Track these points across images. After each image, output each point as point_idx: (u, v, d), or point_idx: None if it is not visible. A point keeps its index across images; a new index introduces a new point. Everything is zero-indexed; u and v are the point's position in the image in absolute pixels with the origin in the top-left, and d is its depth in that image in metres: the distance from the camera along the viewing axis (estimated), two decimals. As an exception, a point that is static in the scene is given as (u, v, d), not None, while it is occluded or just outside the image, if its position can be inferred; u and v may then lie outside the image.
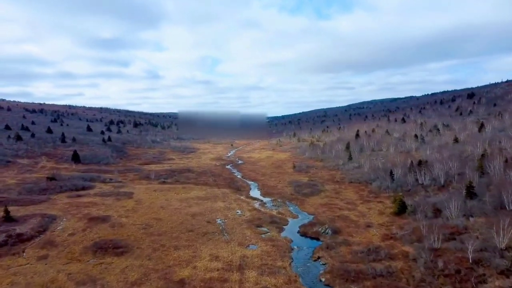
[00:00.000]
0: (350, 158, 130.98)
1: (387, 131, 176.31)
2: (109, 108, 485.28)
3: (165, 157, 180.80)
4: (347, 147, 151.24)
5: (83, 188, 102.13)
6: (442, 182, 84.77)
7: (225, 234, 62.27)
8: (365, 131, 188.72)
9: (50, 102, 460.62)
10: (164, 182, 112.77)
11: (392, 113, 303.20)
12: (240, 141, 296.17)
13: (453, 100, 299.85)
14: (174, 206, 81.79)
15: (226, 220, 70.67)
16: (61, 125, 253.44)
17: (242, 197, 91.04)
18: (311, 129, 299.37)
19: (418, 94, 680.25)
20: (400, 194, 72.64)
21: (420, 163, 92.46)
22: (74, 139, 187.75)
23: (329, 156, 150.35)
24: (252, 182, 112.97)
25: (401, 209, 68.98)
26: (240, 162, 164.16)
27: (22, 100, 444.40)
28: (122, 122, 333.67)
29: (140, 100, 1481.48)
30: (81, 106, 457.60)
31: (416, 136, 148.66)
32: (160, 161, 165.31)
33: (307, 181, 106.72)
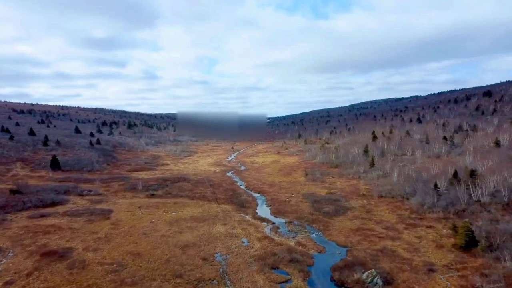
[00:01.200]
0: (372, 164, 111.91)
1: (407, 133, 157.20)
2: (104, 109, 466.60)
3: (159, 162, 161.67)
4: (365, 150, 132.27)
5: (53, 204, 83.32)
6: (506, 198, 65.77)
7: (228, 284, 43.27)
8: (382, 133, 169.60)
9: (47, 103, 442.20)
10: (152, 195, 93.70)
11: (403, 112, 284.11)
12: (241, 143, 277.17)
13: (468, 98, 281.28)
14: (160, 231, 62.74)
15: (228, 256, 51.66)
16: (48, 126, 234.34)
17: (247, 218, 71.97)
18: (317, 130, 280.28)
19: (418, 94, 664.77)
20: (467, 220, 53.38)
21: (472, 173, 73.31)
22: (58, 142, 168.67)
23: (345, 161, 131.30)
24: (259, 195, 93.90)
25: (470, 242, 49.98)
26: (242, 168, 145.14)
27: (20, 101, 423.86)
28: (115, 123, 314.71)
29: (138, 101, 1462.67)
30: (74, 107, 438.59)
31: (445, 138, 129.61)
32: (152, 167, 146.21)
33: (326, 195, 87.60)
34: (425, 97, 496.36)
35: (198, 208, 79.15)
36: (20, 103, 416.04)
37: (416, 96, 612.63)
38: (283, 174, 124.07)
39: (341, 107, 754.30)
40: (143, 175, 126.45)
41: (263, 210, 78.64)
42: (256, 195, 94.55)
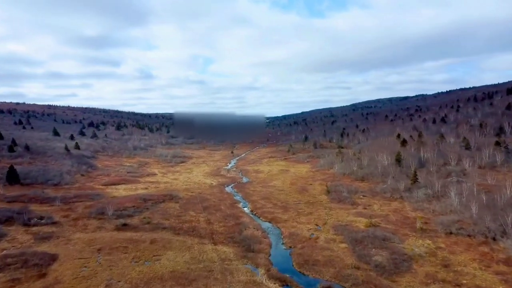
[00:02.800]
0: (414, 179, 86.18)
1: (441, 136, 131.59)
2: (95, 108, 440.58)
3: (144, 172, 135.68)
4: (398, 159, 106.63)
5: (-25, 244, 57.80)
6: None
7: None
8: (410, 136, 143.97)
9: (43, 103, 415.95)
10: (124, 225, 67.88)
11: (420, 112, 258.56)
12: (241, 146, 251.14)
13: (490, 96, 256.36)
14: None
15: None
16: (24, 128, 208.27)
17: (259, 276, 46.23)
18: (324, 131, 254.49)
19: (416, 93, 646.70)
20: None
21: None
22: (27, 147, 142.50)
23: (373, 172, 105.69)
24: (270, 226, 68.25)
25: None
26: (245, 179, 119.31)
27: (13, 101, 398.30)
28: (104, 123, 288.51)
29: (135, 101, 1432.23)
30: (63, 106, 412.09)
31: (497, 143, 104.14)
32: (136, 178, 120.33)
33: (368, 228, 61.91)
34: (435, 96, 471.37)
35: (185, 253, 53.41)
36: (6, 102, 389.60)
37: (422, 95, 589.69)
38: (297, 189, 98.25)
39: (343, 106, 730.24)
40: (121, 190, 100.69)
41: (281, 257, 52.87)
42: (266, 224, 68.90)
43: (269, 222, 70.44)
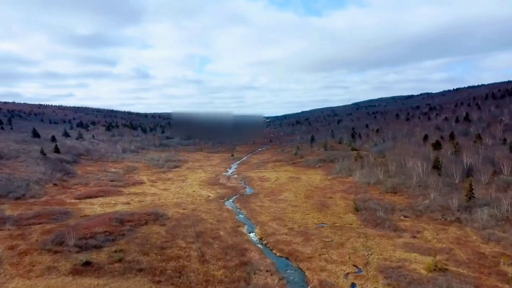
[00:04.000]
0: (471, 194, 66.74)
1: (479, 137, 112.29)
2: (88, 107, 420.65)
3: (130, 180, 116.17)
4: (437, 166, 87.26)
5: None
6: None
7: None
8: (441, 137, 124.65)
9: (40, 103, 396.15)
10: (85, 266, 48.41)
11: (435, 111, 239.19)
12: (242, 147, 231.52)
13: (510, 93, 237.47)
14: None
15: None
16: (2, 128, 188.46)
17: None
18: (332, 131, 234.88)
19: (412, 93, 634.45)
20: None
21: None
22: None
23: (406, 182, 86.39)
24: (289, 266, 48.81)
25: None
26: (248, 190, 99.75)
27: (8, 101, 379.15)
28: (94, 123, 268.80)
29: (133, 101, 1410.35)
30: (53, 106, 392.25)
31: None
32: (118, 189, 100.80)
33: (432, 274, 42.54)
34: (443, 94, 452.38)
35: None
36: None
37: (427, 93, 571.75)
38: (315, 205, 78.78)
39: (345, 105, 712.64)
40: (97, 206, 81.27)
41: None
42: (282, 262, 49.58)
43: (286, 258, 51.04)
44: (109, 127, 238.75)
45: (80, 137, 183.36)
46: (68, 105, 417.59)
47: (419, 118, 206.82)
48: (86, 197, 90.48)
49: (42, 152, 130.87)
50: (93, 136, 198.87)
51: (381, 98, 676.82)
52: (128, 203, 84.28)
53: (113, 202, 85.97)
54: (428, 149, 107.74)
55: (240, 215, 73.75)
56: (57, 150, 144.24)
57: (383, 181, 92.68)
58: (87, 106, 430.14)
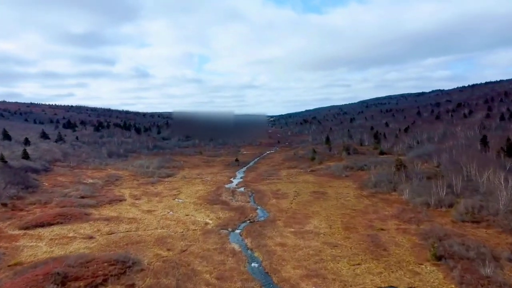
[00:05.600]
0: None
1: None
2: (82, 106, 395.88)
3: (107, 195, 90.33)
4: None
5: None
6: None
7: None
8: (508, 138, 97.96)
9: (40, 103, 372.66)
10: None
11: (465, 108, 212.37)
12: (247, 149, 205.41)
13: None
14: None
15: None
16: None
17: None
18: (348, 131, 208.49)
19: (415, 91, 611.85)
20: None
21: None
22: None
23: (489, 205, 60.17)
24: None
25: None
26: (261, 213, 73.42)
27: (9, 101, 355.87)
28: (84, 123, 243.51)
29: (134, 100, 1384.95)
30: (43, 104, 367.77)
31: None
32: (86, 211, 74.98)
33: None
34: (460, 90, 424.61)
35: None
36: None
37: (440, 90, 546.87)
38: (364, 245, 52.56)
39: (352, 103, 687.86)
40: (43, 243, 55.99)
41: None
42: None
43: None
44: (98, 127, 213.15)
45: (60, 139, 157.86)
46: (64, 104, 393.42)
47: (451, 116, 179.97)
48: (37, 225, 64.76)
49: (1, 159, 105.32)
50: (76, 137, 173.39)
51: (389, 95, 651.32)
52: (91, 237, 58.53)
53: (70, 234, 60.28)
54: (500, 155, 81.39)
55: (253, 264, 47.76)
56: (25, 156, 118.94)
57: (448, 201, 66.56)
58: (85, 105, 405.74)
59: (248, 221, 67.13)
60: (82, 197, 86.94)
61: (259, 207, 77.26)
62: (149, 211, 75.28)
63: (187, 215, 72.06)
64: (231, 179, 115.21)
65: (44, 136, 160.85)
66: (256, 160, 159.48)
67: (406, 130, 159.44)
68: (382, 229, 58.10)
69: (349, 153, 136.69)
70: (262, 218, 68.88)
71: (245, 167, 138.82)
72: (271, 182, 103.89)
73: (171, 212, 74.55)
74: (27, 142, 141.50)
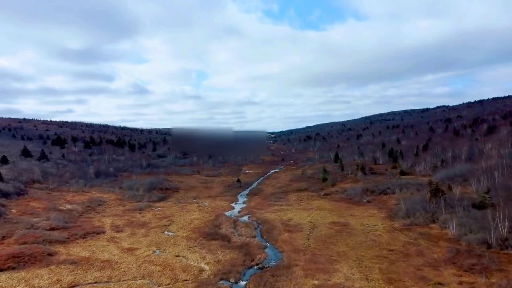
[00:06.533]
0: None
1: None
2: (77, 122, 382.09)
3: (84, 226, 74.65)
4: None
5: None
6: None
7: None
8: None
9: (32, 118, 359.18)
10: None
11: (481, 123, 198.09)
12: (249, 167, 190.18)
13: None
14: None
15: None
16: None
17: None
18: (358, 148, 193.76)
19: (416, 107, 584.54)
20: None
21: None
22: None
23: None
24: None
25: None
26: (270, 252, 57.78)
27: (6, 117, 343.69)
28: (76, 139, 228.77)
29: (134, 117, 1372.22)
30: (36, 120, 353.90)
31: None
32: (51, 249, 59.41)
33: None
34: (469, 106, 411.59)
35: None
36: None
37: (445, 106, 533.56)
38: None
39: (354, 119, 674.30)
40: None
41: None
42: None
43: None
44: (89, 144, 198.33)
45: (43, 157, 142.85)
46: (61, 120, 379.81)
47: (472, 132, 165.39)
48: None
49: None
50: (63, 155, 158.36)
51: (392, 111, 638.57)
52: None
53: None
54: None
55: None
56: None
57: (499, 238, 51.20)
58: (81, 121, 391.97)
59: (256, 267, 51.56)
60: (52, 229, 71.46)
61: (268, 244, 61.69)
62: (130, 250, 59.69)
63: (177, 256, 56.51)
64: (233, 204, 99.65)
65: (26, 153, 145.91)
66: (260, 180, 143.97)
67: (425, 147, 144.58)
68: (439, 284, 42.53)
69: (365, 173, 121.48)
70: (274, 262, 53.28)
71: (248, 189, 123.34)
72: (279, 209, 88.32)
73: (157, 251, 59.07)
74: (4, 160, 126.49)
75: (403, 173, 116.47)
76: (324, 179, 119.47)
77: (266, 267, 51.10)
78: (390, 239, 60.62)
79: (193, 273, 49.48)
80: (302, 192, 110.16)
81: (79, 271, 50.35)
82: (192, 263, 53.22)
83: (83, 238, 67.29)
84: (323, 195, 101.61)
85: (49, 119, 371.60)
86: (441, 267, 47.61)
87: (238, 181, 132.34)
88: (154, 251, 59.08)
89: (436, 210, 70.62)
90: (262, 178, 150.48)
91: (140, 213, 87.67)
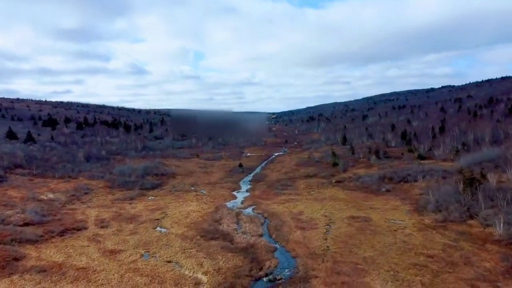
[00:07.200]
0: None
1: None
2: (72, 102, 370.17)
3: (64, 221, 64.53)
4: None
5: None
6: None
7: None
8: None
9: (26, 98, 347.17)
10: None
11: (499, 103, 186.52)
12: (251, 150, 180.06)
13: None
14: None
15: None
16: None
17: None
18: (367, 129, 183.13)
19: (417, 88, 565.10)
20: None
21: None
22: None
23: None
24: None
25: None
26: (280, 256, 47.85)
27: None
28: (69, 120, 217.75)
29: (133, 97, 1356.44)
30: (29, 100, 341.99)
31: None
32: (20, 251, 49.44)
33: None
34: (477, 85, 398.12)
35: None
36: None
37: (451, 86, 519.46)
38: None
39: (356, 100, 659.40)
40: None
41: None
42: None
43: None
44: (81, 125, 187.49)
45: (29, 139, 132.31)
46: (58, 101, 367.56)
47: (491, 112, 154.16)
48: None
49: None
50: (52, 137, 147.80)
51: (395, 92, 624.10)
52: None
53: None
54: None
55: None
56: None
57: None
58: (77, 102, 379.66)
59: (265, 279, 41.72)
60: (26, 225, 61.58)
61: (278, 246, 51.80)
62: (113, 253, 49.84)
63: (169, 261, 46.68)
64: (235, 192, 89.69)
65: (11, 135, 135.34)
66: (263, 164, 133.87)
67: (442, 129, 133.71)
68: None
69: (379, 157, 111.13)
70: (287, 271, 43.38)
71: (251, 175, 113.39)
72: (287, 199, 78.27)
73: (145, 255, 49.26)
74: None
75: (421, 157, 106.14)
76: (335, 164, 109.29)
77: (278, 279, 41.27)
78: (424, 240, 50.65)
79: (187, 286, 39.71)
80: (311, 178, 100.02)
81: (46, 283, 40.61)
82: (186, 272, 43.34)
83: (61, 236, 57.44)
84: (335, 182, 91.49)
85: (44, 100, 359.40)
86: (499, 282, 37.74)
87: (240, 165, 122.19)
88: (142, 255, 49.24)
89: (472, 203, 60.57)
90: (266, 162, 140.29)
91: (130, 204, 77.73)
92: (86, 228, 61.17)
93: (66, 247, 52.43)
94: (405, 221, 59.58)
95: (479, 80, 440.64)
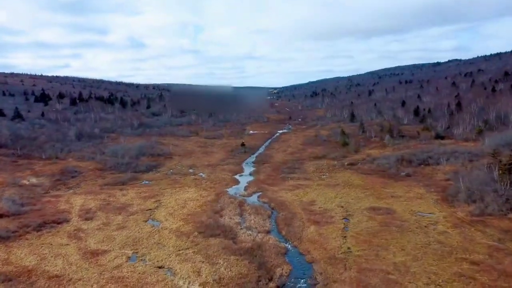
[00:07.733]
0: None
1: None
2: (68, 77, 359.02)
3: (44, 211, 56.58)
4: None
5: None
6: None
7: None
8: None
9: (22, 72, 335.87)
10: None
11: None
12: (253, 127, 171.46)
13: None
14: None
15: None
16: None
17: None
18: (375, 105, 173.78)
19: (421, 62, 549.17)
20: None
21: None
22: None
23: None
24: None
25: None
26: (296, 264, 40.19)
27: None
28: (62, 96, 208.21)
29: (132, 72, 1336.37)
30: (24, 74, 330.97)
31: None
32: (-16, 254, 42.03)
33: None
34: (486, 59, 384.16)
35: None
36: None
37: (458, 60, 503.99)
38: None
39: (359, 74, 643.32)
40: None
41: None
42: None
43: None
44: (75, 101, 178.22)
45: (17, 116, 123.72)
46: (57, 75, 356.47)
47: (510, 87, 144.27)
48: None
49: None
50: (42, 114, 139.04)
51: (400, 66, 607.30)
52: None
53: None
54: None
55: None
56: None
57: None
58: (73, 76, 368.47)
59: (277, 293, 34.09)
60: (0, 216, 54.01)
61: (289, 246, 44.07)
62: (95, 254, 42.19)
63: (160, 267, 39.06)
64: (237, 176, 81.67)
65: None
66: (267, 143, 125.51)
67: (458, 105, 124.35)
68: None
69: (392, 136, 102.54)
70: (303, 282, 35.70)
71: (254, 155, 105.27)
72: (296, 185, 70.23)
73: (133, 257, 41.67)
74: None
75: (439, 136, 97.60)
76: (344, 144, 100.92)
77: (294, 295, 33.61)
78: (463, 240, 42.76)
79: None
80: (320, 160, 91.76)
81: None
82: (180, 283, 35.72)
83: (38, 231, 49.80)
84: (347, 165, 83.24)
85: (40, 74, 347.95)
86: None
87: (243, 144, 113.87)
88: (129, 257, 41.63)
89: (510, 192, 52.48)
90: (269, 140, 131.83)
91: (121, 190, 69.83)
92: (68, 221, 53.48)
93: (42, 246, 44.88)
94: (435, 213, 51.68)
95: (487, 54, 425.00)
